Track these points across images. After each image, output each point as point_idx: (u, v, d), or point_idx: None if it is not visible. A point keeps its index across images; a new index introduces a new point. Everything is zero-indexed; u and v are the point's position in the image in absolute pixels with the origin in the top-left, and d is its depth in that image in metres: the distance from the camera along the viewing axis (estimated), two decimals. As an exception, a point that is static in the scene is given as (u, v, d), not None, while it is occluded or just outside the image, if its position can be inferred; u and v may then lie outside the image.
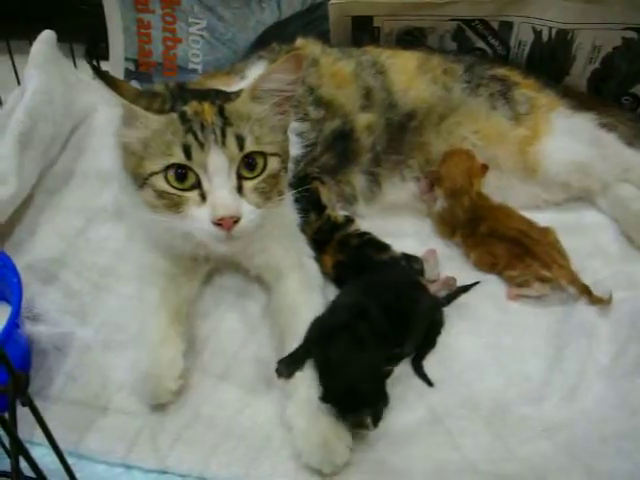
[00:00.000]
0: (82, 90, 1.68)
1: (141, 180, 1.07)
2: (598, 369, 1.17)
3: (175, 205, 1.06)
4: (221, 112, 1.07)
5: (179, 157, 1.04)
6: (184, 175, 1.05)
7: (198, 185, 1.05)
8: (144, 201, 1.09)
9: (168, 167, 1.04)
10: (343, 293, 1.23)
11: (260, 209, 1.08)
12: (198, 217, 1.05)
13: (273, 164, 1.10)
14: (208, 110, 1.06)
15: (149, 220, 1.14)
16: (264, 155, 1.09)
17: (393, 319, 1.13)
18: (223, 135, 1.05)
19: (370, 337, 1.08)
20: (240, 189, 1.07)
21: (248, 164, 1.08)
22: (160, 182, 1.05)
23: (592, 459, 1.05)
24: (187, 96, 1.10)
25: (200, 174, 1.05)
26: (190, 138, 1.04)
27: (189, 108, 1.07)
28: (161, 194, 1.06)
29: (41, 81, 1.52)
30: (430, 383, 1.15)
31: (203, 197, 1.05)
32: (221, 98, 1.10)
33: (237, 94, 1.11)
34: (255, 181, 1.09)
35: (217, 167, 1.04)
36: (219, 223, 1.04)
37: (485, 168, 1.43)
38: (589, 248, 1.38)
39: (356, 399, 1.02)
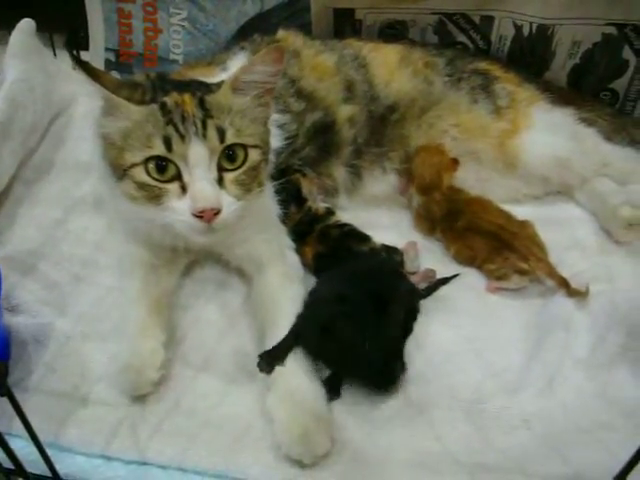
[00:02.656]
0: (62, 80, 1.67)
1: (121, 171, 1.06)
2: (576, 360, 1.18)
3: (155, 197, 1.05)
4: (202, 104, 1.06)
5: (159, 149, 1.03)
6: (164, 167, 1.04)
7: (178, 177, 1.05)
8: (124, 193, 1.08)
9: (148, 159, 1.04)
10: (322, 282, 1.23)
11: (240, 201, 1.08)
12: (178, 209, 1.05)
13: (254, 156, 1.10)
14: (189, 101, 1.06)
15: (128, 211, 1.13)
16: (245, 147, 1.09)
17: (374, 304, 1.13)
18: (204, 127, 1.04)
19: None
20: (221, 181, 1.06)
21: (229, 156, 1.07)
22: (140, 174, 1.05)
23: (570, 449, 1.06)
24: (168, 87, 1.09)
25: (181, 166, 1.04)
26: (170, 130, 1.03)
27: (169, 99, 1.06)
28: (141, 186, 1.05)
29: (20, 70, 1.50)
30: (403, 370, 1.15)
31: (183, 189, 1.05)
32: (202, 89, 1.09)
33: (218, 85, 1.10)
34: (236, 173, 1.08)
35: (197, 159, 1.04)
36: (199, 215, 1.04)
37: (455, 162, 1.44)
38: (567, 241, 1.39)
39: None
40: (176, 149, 1.03)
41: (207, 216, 1.04)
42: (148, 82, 1.13)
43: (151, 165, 1.04)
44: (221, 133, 1.05)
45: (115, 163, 1.07)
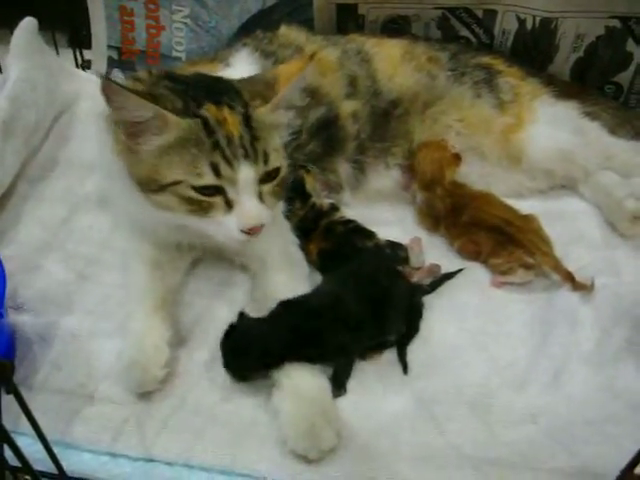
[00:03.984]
0: (65, 78, 1.67)
1: (156, 186, 1.07)
2: (582, 355, 1.18)
3: (202, 210, 1.06)
4: (247, 122, 1.07)
5: (209, 178, 1.04)
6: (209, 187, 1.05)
7: (223, 192, 1.05)
8: (159, 204, 1.09)
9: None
10: (322, 283, 1.24)
11: (273, 209, 1.12)
12: (225, 224, 1.07)
13: (284, 168, 1.12)
14: (231, 120, 1.06)
15: (138, 211, 1.15)
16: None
17: (370, 307, 1.14)
18: (254, 151, 1.06)
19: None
20: (260, 195, 1.08)
21: (268, 173, 1.09)
22: (186, 190, 1.05)
23: (576, 443, 1.05)
24: (198, 94, 1.08)
25: (226, 186, 1.05)
26: (217, 156, 1.04)
27: (209, 114, 1.05)
28: (187, 200, 1.06)
29: (23, 69, 1.50)
30: (405, 370, 1.15)
31: (228, 204, 1.06)
32: (236, 100, 1.09)
33: (250, 94, 1.11)
34: (270, 185, 1.10)
35: (246, 182, 1.05)
36: (247, 232, 1.06)
37: (457, 158, 1.44)
38: (572, 235, 1.38)
39: None
40: (224, 174, 1.04)
41: (255, 231, 1.07)
42: (150, 79, 1.13)
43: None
44: (265, 156, 1.07)
45: (148, 177, 1.07)
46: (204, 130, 1.04)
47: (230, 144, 1.04)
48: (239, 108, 1.08)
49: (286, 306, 1.13)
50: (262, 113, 1.09)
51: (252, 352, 1.09)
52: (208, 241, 1.18)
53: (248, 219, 1.06)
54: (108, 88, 1.01)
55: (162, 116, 1.03)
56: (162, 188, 1.06)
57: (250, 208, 1.06)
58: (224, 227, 1.07)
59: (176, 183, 1.05)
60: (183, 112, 1.05)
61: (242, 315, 1.13)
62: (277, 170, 1.10)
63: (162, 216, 1.11)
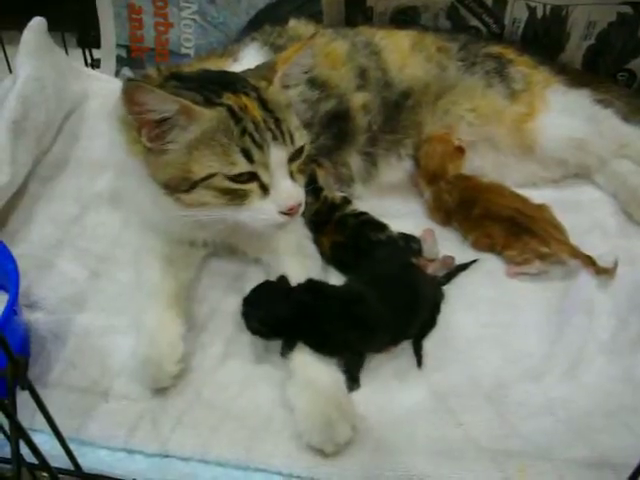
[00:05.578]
0: (74, 77, 1.67)
1: (188, 184, 1.06)
2: (599, 344, 1.17)
3: (239, 198, 1.07)
4: (264, 106, 1.07)
5: (243, 165, 1.04)
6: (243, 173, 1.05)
7: (256, 177, 1.06)
8: (193, 202, 1.08)
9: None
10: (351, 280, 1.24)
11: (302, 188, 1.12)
12: (264, 209, 1.07)
13: (307, 145, 1.13)
14: (251, 105, 1.06)
15: (154, 209, 1.17)
16: None
17: (398, 312, 1.14)
18: (280, 132, 1.06)
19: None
20: (292, 175, 1.09)
21: (295, 153, 1.10)
22: (223, 181, 1.05)
23: (595, 434, 1.05)
24: (212, 87, 1.09)
25: (259, 171, 1.05)
26: (248, 142, 1.04)
27: (231, 102, 1.06)
28: (225, 191, 1.06)
29: (32, 68, 1.50)
30: (420, 364, 1.15)
31: (263, 189, 1.06)
32: (248, 87, 1.09)
33: (255, 78, 1.12)
34: (297, 162, 1.11)
35: (278, 163, 1.06)
36: (288, 212, 1.07)
37: (461, 151, 1.43)
38: (587, 224, 1.37)
39: None
40: (257, 159, 1.04)
41: (295, 211, 1.07)
42: (160, 77, 1.13)
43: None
44: (291, 135, 1.08)
45: (177, 178, 1.07)
46: (232, 118, 1.04)
47: (257, 128, 1.05)
48: (252, 93, 1.08)
49: (309, 284, 1.15)
50: (273, 93, 1.10)
51: (261, 309, 1.11)
52: (230, 235, 1.20)
53: (287, 199, 1.06)
54: (134, 89, 1.01)
55: (188, 109, 1.03)
56: (194, 185, 1.06)
57: (287, 188, 1.07)
58: (263, 212, 1.07)
59: (210, 177, 1.05)
60: (205, 104, 1.05)
61: (282, 277, 1.15)
62: (302, 148, 1.11)
63: (191, 214, 1.10)
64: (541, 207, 1.33)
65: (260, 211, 1.07)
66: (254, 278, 1.26)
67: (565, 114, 1.44)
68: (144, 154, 1.09)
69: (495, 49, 1.52)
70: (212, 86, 1.09)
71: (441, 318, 1.21)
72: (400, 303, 1.15)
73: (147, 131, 1.06)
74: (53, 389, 1.10)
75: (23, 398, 0.78)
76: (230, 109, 1.05)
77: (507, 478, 1.00)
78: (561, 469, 1.01)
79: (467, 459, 1.02)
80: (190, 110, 1.03)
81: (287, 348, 1.10)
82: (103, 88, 1.65)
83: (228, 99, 1.06)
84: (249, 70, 1.17)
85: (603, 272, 1.24)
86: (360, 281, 1.20)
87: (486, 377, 1.13)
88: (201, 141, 1.04)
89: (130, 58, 1.79)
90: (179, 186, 1.07)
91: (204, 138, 1.04)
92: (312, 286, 1.15)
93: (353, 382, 1.11)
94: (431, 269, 1.28)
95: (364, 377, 1.12)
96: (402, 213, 1.43)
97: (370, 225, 1.31)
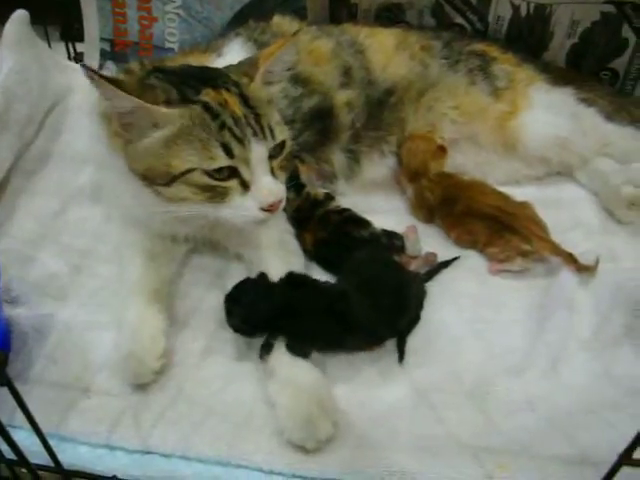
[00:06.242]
0: (58, 71, 1.67)
1: (167, 178, 1.06)
2: (580, 341, 1.17)
3: (219, 195, 1.06)
4: (246, 102, 1.07)
5: (223, 160, 1.03)
6: (223, 169, 1.05)
7: (236, 173, 1.05)
8: (172, 196, 1.07)
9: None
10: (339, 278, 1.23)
11: (284, 184, 1.12)
12: (244, 206, 1.07)
13: (288, 141, 1.13)
14: (232, 101, 1.06)
15: (135, 204, 1.16)
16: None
17: (384, 315, 1.14)
18: (260, 127, 1.06)
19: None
20: (272, 171, 1.08)
21: (276, 147, 1.09)
22: (201, 177, 1.04)
23: (575, 430, 1.05)
24: (192, 83, 1.08)
25: (240, 167, 1.05)
26: (227, 136, 1.03)
27: (208, 98, 1.05)
28: (203, 188, 1.05)
29: (15, 61, 1.49)
30: (401, 360, 1.15)
31: (244, 185, 1.06)
32: (230, 83, 1.09)
33: (237, 75, 1.12)
34: (278, 159, 1.11)
35: (259, 159, 1.06)
36: (268, 209, 1.06)
37: (442, 150, 1.43)
38: (569, 222, 1.38)
39: None
40: (238, 154, 1.04)
41: (275, 208, 1.07)
42: (142, 71, 1.12)
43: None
44: (271, 130, 1.07)
45: (155, 171, 1.06)
46: (207, 114, 1.04)
47: (237, 124, 1.04)
48: (234, 89, 1.08)
49: (289, 277, 1.15)
50: (254, 89, 1.10)
51: (244, 307, 1.11)
52: (212, 231, 1.20)
53: (267, 196, 1.06)
54: (91, 78, 1.01)
55: (145, 109, 1.03)
56: (173, 179, 1.05)
57: (267, 184, 1.06)
58: (243, 209, 1.07)
59: (189, 171, 1.04)
60: (180, 101, 1.05)
61: (262, 275, 1.15)
62: (283, 144, 1.11)
63: (172, 209, 1.10)
64: (523, 205, 1.33)
65: (241, 208, 1.07)
66: (236, 275, 1.25)
67: (548, 112, 1.44)
68: (121, 143, 1.09)
69: (479, 47, 1.52)
70: (192, 81, 1.08)
71: (423, 315, 1.21)
72: (385, 302, 1.14)
73: (117, 118, 1.06)
74: (34, 385, 1.10)
75: (3, 394, 0.77)
76: (206, 106, 1.04)
77: (488, 474, 1.00)
78: (542, 465, 1.01)
79: (448, 455, 1.02)
80: (149, 110, 1.03)
81: (265, 351, 1.10)
82: (86, 82, 1.63)
83: (207, 95, 1.05)
84: (231, 66, 1.16)
85: (584, 269, 1.25)
86: (344, 279, 1.20)
87: (468, 373, 1.14)
88: (179, 137, 1.04)
89: (114, 52, 1.78)
90: (157, 178, 1.07)
91: (181, 134, 1.04)
92: (293, 280, 1.15)
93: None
94: (414, 266, 1.28)
95: (345, 373, 1.12)
96: (385, 210, 1.43)
97: (353, 222, 1.31)
